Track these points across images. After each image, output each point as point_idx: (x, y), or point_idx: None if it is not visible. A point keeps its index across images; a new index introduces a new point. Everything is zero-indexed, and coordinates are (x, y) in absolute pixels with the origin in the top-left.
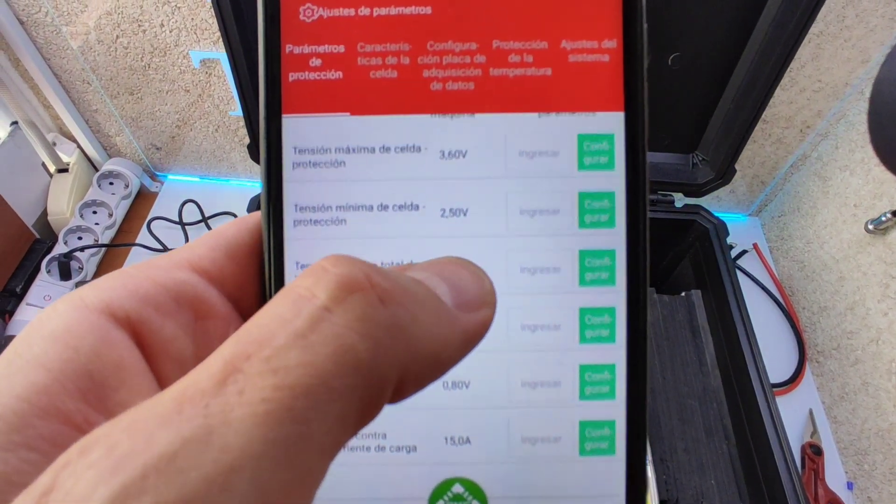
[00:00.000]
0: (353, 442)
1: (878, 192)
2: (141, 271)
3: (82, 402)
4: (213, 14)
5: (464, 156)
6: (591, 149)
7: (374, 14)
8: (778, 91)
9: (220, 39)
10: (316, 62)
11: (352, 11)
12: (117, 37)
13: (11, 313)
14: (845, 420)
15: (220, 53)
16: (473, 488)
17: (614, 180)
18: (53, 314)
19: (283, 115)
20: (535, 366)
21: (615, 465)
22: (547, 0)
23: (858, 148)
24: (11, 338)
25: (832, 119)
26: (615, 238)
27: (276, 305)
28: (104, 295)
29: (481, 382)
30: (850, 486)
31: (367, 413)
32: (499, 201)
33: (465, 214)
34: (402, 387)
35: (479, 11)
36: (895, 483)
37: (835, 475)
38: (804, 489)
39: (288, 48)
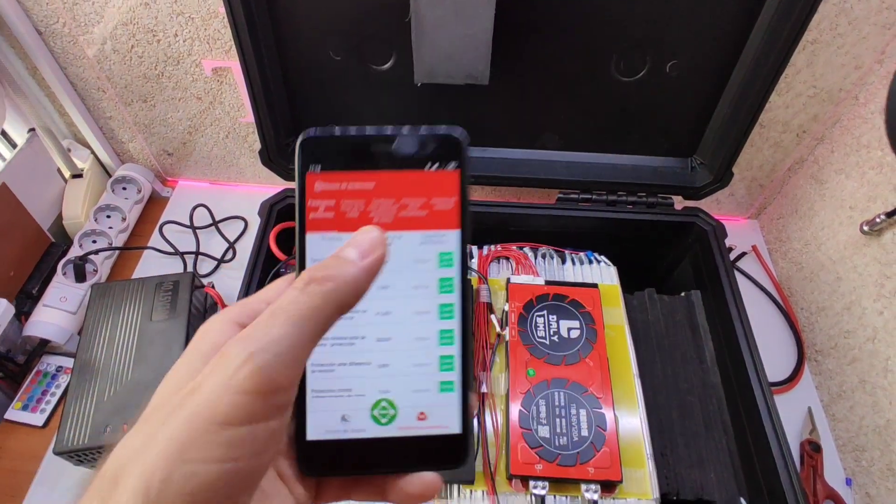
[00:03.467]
0: (337, 387)
1: (873, 194)
2: (256, 296)
3: None
4: (226, 24)
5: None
6: (443, 258)
7: (348, 188)
8: (774, 96)
9: (232, 49)
10: (322, 208)
11: (337, 186)
12: (132, 46)
13: (28, 314)
14: (843, 417)
15: (231, 62)
16: (391, 404)
17: (454, 271)
18: (210, 325)
19: (307, 233)
20: (420, 355)
21: (455, 398)
22: (426, 184)
23: (853, 152)
24: (29, 338)
25: (828, 123)
26: (455, 297)
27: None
28: (232, 313)
29: (396, 363)
30: (848, 482)
31: (329, 322)
32: (404, 282)
33: (386, 288)
34: (346, 304)
35: (395, 186)
36: (892, 479)
37: (834, 472)
38: (801, 482)
39: (310, 202)
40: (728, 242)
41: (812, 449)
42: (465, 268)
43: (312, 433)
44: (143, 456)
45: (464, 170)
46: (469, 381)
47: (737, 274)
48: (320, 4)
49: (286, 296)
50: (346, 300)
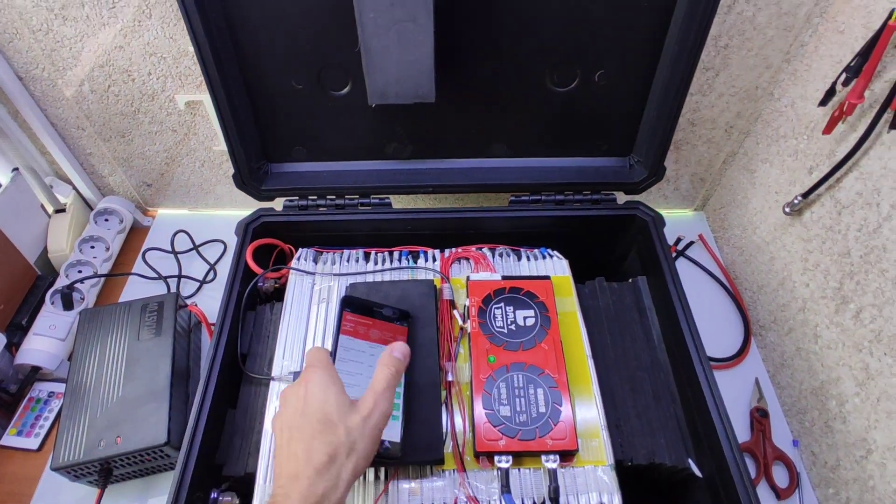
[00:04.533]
0: None
1: (792, 178)
2: (324, 358)
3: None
4: (195, 61)
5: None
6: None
7: (361, 321)
8: (700, 97)
9: (202, 83)
10: (349, 325)
11: (356, 319)
12: (109, 86)
13: (18, 345)
14: (787, 385)
15: (202, 95)
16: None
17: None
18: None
19: (341, 335)
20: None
21: (398, 423)
22: (393, 328)
23: (773, 142)
24: (21, 366)
25: (751, 119)
26: (402, 382)
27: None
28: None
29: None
30: (795, 443)
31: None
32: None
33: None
34: (400, 377)
35: (381, 326)
36: (830, 435)
37: (782, 435)
38: (738, 443)
39: (344, 324)
40: (676, 233)
41: (760, 415)
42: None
43: None
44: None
45: (410, 326)
46: (407, 417)
47: (686, 261)
48: (281, 39)
49: (383, 375)
50: (400, 376)
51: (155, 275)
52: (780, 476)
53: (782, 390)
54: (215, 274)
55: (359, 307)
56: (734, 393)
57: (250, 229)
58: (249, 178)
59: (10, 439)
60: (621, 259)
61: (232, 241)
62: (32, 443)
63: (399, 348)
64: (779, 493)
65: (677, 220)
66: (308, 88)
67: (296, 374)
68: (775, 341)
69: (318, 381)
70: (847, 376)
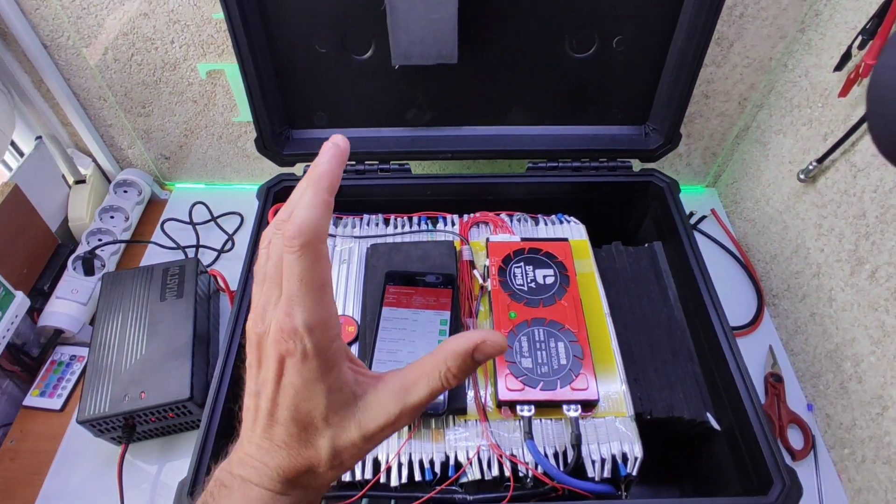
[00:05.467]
0: None
1: (806, 147)
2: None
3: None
4: (218, 29)
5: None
6: (441, 321)
7: (403, 290)
8: (714, 68)
9: (224, 52)
10: (391, 296)
11: (398, 290)
12: (132, 55)
13: (40, 311)
14: (800, 350)
15: (224, 64)
16: None
17: (446, 326)
18: None
19: (384, 307)
20: (429, 348)
21: None
22: (438, 293)
23: (787, 113)
24: (43, 329)
25: (763, 91)
26: (445, 335)
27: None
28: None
29: (416, 351)
30: (809, 407)
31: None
32: (425, 327)
33: (415, 331)
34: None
35: (425, 293)
36: (846, 395)
37: (796, 400)
38: (757, 393)
39: (386, 296)
40: (688, 209)
41: (774, 380)
42: (453, 324)
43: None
44: None
45: (454, 289)
46: None
47: (698, 234)
48: (308, 1)
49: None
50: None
51: (173, 244)
52: (794, 439)
53: (796, 356)
54: (233, 244)
55: (401, 279)
56: (748, 360)
57: (271, 193)
58: (272, 143)
59: (33, 400)
60: (637, 226)
61: (248, 214)
62: (55, 403)
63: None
64: (794, 454)
65: (689, 196)
66: (331, 52)
67: None
68: (789, 308)
69: (301, 373)
70: (862, 336)
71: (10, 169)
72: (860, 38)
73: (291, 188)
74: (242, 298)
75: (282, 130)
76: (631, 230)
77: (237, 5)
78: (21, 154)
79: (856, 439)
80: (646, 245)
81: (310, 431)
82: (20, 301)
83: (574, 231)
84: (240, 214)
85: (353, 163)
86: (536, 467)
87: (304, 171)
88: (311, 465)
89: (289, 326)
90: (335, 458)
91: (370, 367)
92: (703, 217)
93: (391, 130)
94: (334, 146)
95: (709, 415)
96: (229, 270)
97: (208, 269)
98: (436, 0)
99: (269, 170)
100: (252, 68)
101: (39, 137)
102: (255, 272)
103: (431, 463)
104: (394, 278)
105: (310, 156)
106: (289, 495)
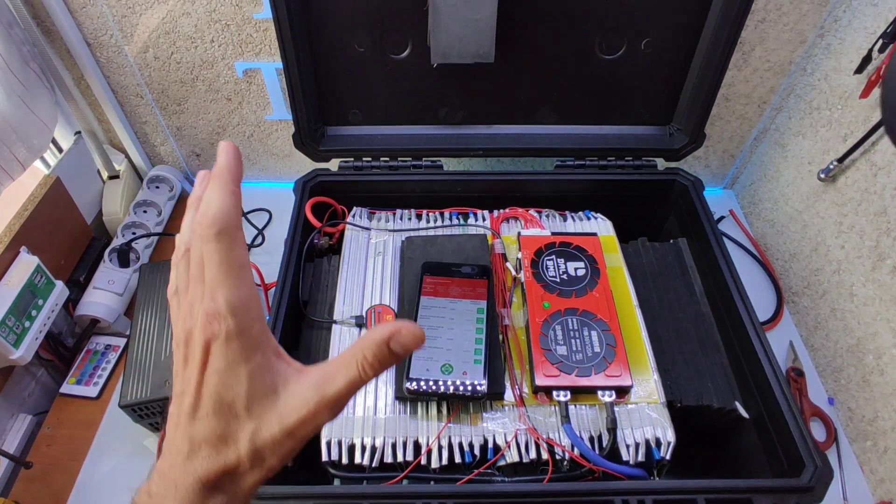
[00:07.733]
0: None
1: (826, 147)
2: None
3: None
4: (258, 29)
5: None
6: (479, 311)
7: (440, 281)
8: (735, 72)
9: (261, 51)
10: (429, 287)
11: (434, 280)
12: (172, 53)
13: (76, 302)
14: (821, 346)
15: (261, 63)
16: (450, 366)
17: (483, 315)
18: None
19: (422, 296)
20: (466, 346)
21: (480, 367)
22: (474, 283)
23: (807, 115)
24: (80, 318)
25: (783, 94)
26: (483, 325)
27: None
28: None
29: (454, 348)
30: (831, 401)
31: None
32: (463, 317)
33: (453, 319)
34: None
35: (461, 283)
36: (868, 388)
37: (817, 395)
38: (787, 381)
39: (424, 286)
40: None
41: (796, 374)
42: (490, 313)
43: (412, 374)
44: None
45: (490, 279)
46: (490, 359)
47: None
48: (349, 4)
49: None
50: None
51: None
52: (816, 432)
53: (816, 352)
54: (263, 238)
55: (438, 269)
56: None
57: (308, 187)
58: (308, 139)
59: (69, 387)
60: (661, 222)
61: (277, 212)
62: (92, 391)
63: (401, 336)
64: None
65: (706, 198)
66: (369, 51)
67: (357, 318)
68: (809, 305)
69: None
70: (885, 329)
71: (46, 163)
72: (881, 41)
73: (326, 182)
74: (285, 278)
75: (317, 127)
76: (655, 227)
77: (285, 4)
78: (60, 149)
79: (878, 431)
80: (671, 241)
81: (231, 425)
82: (60, 290)
83: (601, 227)
84: (268, 211)
85: (387, 159)
86: (573, 450)
87: (339, 167)
88: (232, 464)
89: (213, 309)
90: (256, 455)
91: (410, 357)
92: (722, 217)
93: (424, 128)
94: (227, 144)
95: (737, 403)
96: (261, 265)
97: None
98: (476, 0)
99: (297, 168)
100: (295, 66)
101: (79, 133)
102: (169, 289)
103: (471, 446)
104: (431, 269)
105: (344, 151)
106: (209, 502)
